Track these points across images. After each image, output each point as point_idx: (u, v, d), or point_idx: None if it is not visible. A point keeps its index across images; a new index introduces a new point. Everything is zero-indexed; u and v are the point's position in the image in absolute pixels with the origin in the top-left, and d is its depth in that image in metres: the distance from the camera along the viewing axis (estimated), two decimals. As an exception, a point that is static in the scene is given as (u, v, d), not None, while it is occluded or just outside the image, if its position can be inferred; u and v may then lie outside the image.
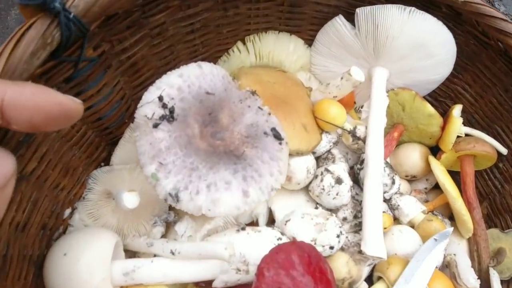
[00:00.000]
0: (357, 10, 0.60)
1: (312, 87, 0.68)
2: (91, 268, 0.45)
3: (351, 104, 0.70)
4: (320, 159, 0.64)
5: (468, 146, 0.66)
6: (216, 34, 0.59)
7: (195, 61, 0.60)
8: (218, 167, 0.46)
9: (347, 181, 0.57)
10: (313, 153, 0.62)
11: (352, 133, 0.61)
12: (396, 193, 0.67)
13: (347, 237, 0.58)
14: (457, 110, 0.69)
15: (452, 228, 0.62)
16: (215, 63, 0.63)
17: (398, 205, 0.65)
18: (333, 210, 0.60)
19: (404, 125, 0.71)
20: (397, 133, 0.70)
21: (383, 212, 0.64)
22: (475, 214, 0.67)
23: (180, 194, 0.44)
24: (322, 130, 0.62)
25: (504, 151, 0.70)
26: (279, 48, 0.64)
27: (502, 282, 0.70)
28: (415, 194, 0.71)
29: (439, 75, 0.67)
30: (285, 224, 0.53)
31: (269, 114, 0.53)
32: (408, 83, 0.68)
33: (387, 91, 0.68)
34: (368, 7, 0.59)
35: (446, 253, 0.66)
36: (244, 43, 0.63)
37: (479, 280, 0.62)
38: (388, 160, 0.72)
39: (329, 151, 0.63)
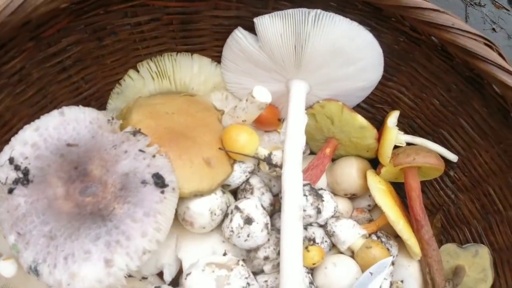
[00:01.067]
0: (255, 20, 0.52)
1: (229, 107, 0.61)
2: None
3: (274, 122, 0.62)
4: (239, 191, 0.57)
5: (407, 160, 0.58)
6: (98, 66, 0.53)
7: (81, 99, 0.54)
8: (78, 233, 0.40)
9: (260, 219, 0.51)
10: (227, 186, 0.55)
11: (267, 160, 0.54)
12: (332, 216, 0.60)
13: (266, 281, 0.52)
14: (392, 118, 0.60)
15: (391, 258, 0.55)
16: (107, 97, 0.57)
17: (334, 232, 0.58)
18: (253, 249, 0.54)
19: (337, 139, 0.63)
20: (330, 149, 0.63)
21: (312, 245, 0.57)
22: (424, 233, 0.60)
23: (39, 268, 0.39)
24: (234, 160, 0.55)
25: (453, 158, 0.61)
26: (181, 70, 0.57)
27: (463, 303, 0.63)
28: (357, 213, 0.64)
29: (367, 81, 0.59)
30: (185, 279, 0.47)
31: (154, 156, 0.47)
32: (334, 94, 0.60)
33: (312, 104, 0.61)
34: (266, 16, 0.51)
35: (393, 279, 0.59)
36: (138, 71, 0.56)
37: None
38: (324, 178, 0.65)
39: (246, 182, 0.57)
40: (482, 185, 0.61)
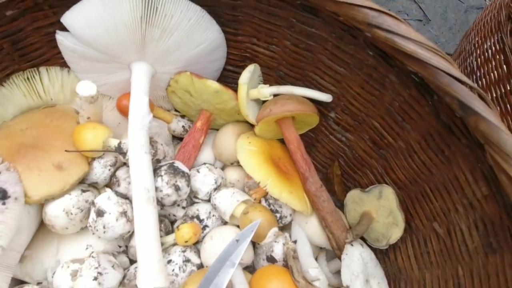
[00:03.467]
0: (61, 20, 0.51)
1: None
2: None
3: (140, 110, 0.62)
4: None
5: (264, 113, 0.54)
6: (-47, 104, 0.57)
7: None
8: None
9: (113, 209, 0.51)
10: (95, 183, 0.57)
11: (118, 150, 0.54)
12: (215, 189, 0.59)
13: (136, 268, 0.52)
14: (244, 73, 0.55)
15: (258, 221, 0.51)
16: (-20, 129, 0.61)
17: (215, 204, 0.57)
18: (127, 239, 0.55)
19: (206, 110, 0.60)
20: (201, 122, 0.60)
21: (184, 222, 0.56)
22: (309, 186, 0.55)
23: None
24: (93, 158, 0.56)
25: (326, 98, 0.55)
26: (31, 86, 0.59)
27: (380, 252, 0.57)
28: (248, 179, 0.61)
29: (205, 42, 0.55)
30: (52, 277, 0.50)
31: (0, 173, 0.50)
32: (183, 66, 0.57)
33: (169, 82, 0.59)
34: (66, 12, 0.51)
35: (287, 240, 0.55)
36: (-6, 98, 0.59)
37: (321, 271, 0.51)
38: (211, 152, 0.63)
39: (114, 175, 0.57)
40: (365, 120, 0.53)
